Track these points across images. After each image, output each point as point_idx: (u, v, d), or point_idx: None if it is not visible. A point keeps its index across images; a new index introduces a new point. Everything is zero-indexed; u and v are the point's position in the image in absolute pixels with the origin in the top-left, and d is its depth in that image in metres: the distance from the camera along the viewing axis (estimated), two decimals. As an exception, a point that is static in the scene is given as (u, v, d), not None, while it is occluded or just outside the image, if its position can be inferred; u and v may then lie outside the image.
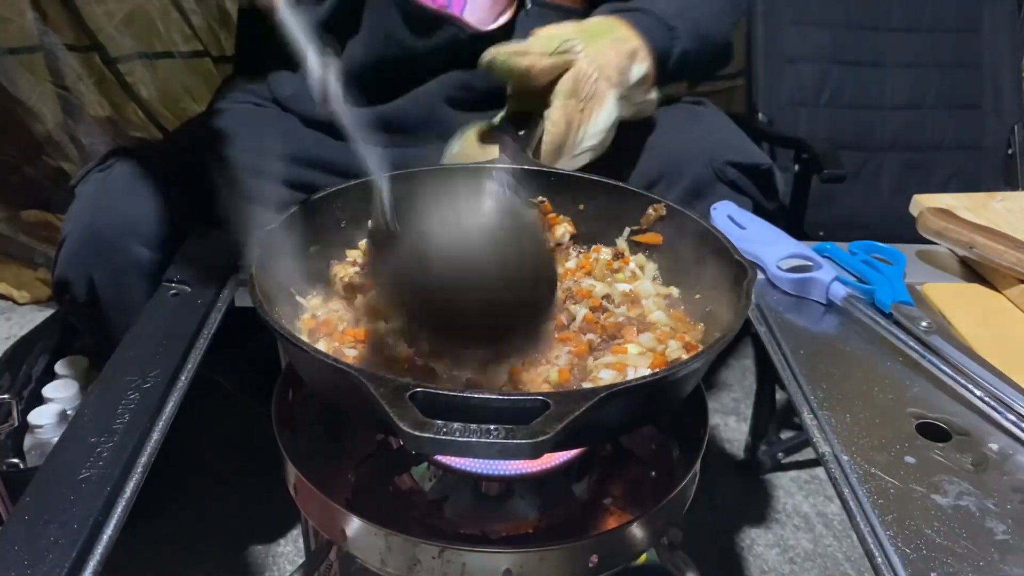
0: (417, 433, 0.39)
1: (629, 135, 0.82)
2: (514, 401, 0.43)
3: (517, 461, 0.58)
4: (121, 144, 1.41)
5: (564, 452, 0.60)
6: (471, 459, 0.58)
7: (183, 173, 0.82)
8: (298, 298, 0.63)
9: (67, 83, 1.47)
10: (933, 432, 0.55)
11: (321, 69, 0.54)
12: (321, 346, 0.58)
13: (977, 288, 0.76)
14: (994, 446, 0.53)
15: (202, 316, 0.65)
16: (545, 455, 0.42)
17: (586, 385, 0.55)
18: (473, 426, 0.40)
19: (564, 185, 0.72)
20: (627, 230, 0.71)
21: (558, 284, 0.61)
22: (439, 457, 0.59)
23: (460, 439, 0.40)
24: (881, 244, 0.76)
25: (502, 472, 0.58)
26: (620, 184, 0.71)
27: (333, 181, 0.70)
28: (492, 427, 0.40)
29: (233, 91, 1.01)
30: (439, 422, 0.40)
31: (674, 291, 0.68)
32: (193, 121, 1.01)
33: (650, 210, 0.69)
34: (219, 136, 0.89)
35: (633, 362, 0.58)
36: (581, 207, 0.73)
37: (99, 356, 1.18)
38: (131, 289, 0.78)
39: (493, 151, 0.76)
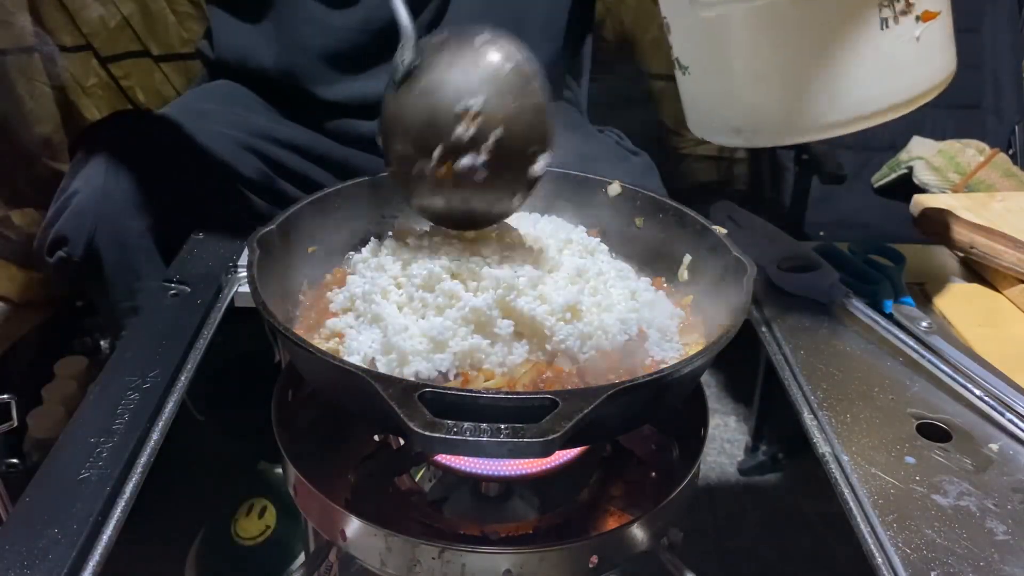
0: (428, 433, 0.39)
1: None
2: (522, 400, 0.44)
3: (518, 461, 0.58)
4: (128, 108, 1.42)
5: (564, 453, 0.60)
6: (471, 460, 0.58)
7: (191, 146, 0.84)
8: (299, 296, 0.63)
9: (63, 85, 1.47)
10: (933, 432, 0.55)
11: None
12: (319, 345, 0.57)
13: (977, 288, 0.76)
14: (994, 446, 0.53)
15: (202, 316, 0.65)
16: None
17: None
18: (483, 425, 0.40)
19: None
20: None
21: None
22: (439, 457, 0.59)
23: (471, 439, 0.40)
24: (881, 244, 0.76)
25: (502, 473, 0.58)
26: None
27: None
28: (502, 426, 0.40)
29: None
30: (449, 422, 0.40)
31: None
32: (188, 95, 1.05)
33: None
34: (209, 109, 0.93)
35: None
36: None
37: (99, 356, 1.18)
38: (131, 253, 0.78)
39: None
